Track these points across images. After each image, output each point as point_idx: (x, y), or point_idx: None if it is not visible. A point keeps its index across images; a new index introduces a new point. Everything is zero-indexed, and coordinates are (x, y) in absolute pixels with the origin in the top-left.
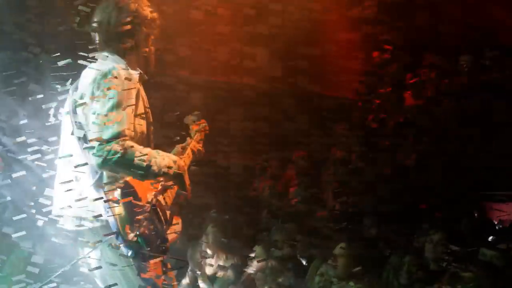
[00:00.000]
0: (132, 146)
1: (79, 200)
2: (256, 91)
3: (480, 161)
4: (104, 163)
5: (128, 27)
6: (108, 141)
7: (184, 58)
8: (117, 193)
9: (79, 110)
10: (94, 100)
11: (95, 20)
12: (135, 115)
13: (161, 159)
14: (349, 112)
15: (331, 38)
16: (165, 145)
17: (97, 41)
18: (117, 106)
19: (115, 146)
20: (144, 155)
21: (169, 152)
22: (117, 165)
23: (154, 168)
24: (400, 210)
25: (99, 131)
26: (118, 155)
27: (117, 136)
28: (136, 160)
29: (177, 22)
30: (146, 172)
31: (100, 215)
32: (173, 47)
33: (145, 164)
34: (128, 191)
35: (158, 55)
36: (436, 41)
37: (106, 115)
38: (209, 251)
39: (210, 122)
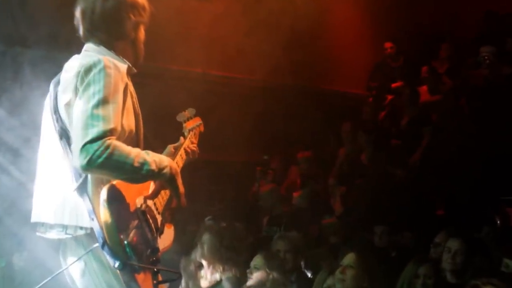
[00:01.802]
0: (119, 146)
1: (62, 206)
2: (256, 86)
3: (504, 163)
4: (89, 165)
5: (115, 15)
6: (94, 140)
7: (177, 50)
8: (103, 198)
9: (61, 106)
10: (77, 95)
11: (78, 8)
12: (123, 112)
13: (152, 160)
14: (359, 108)
15: (338, 27)
16: (157, 145)
17: (81, 32)
18: (103, 102)
19: (101, 146)
20: (133, 155)
21: (160, 153)
22: (104, 167)
23: (144, 170)
24: (415, 216)
25: (83, 129)
26: (105, 155)
27: (103, 135)
28: (124, 161)
29: (168, 9)
30: (135, 175)
31: (84, 223)
32: (165, 37)
33: (134, 165)
34: (115, 195)
35: (149, 46)
36: (454, 31)
37: (91, 112)
38: (204, 262)
39: (205, 119)
